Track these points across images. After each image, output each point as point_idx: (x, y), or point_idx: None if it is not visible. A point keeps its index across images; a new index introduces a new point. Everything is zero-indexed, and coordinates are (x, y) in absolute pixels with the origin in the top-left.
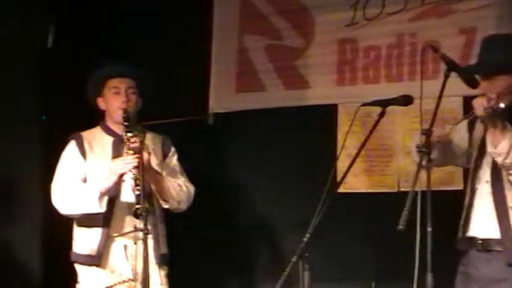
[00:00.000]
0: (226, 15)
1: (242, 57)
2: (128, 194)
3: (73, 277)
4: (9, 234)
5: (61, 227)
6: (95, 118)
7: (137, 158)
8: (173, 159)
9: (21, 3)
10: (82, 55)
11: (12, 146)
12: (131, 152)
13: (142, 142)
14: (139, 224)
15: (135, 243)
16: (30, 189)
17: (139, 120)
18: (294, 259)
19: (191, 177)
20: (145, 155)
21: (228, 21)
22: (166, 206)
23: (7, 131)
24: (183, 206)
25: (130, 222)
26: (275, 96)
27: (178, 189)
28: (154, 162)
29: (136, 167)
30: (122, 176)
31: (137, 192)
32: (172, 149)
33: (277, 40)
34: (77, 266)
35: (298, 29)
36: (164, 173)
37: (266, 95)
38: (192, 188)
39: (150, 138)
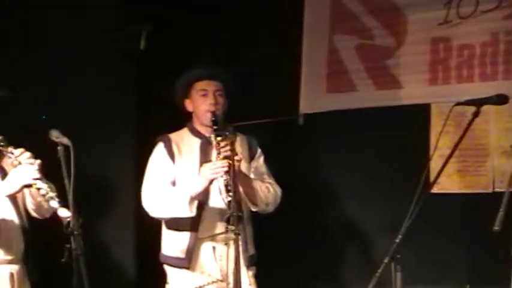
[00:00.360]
0: (316, 16)
1: (333, 57)
2: (216, 199)
3: (163, 278)
4: (105, 235)
5: (153, 228)
6: (186, 119)
7: (228, 163)
8: (260, 161)
9: (115, 7)
10: (175, 57)
11: (107, 147)
12: (221, 156)
13: (233, 144)
14: (231, 226)
15: (226, 245)
16: (124, 190)
17: (227, 122)
18: (386, 260)
19: (282, 178)
20: (236, 159)
21: (319, 22)
22: (254, 209)
23: (101, 132)
24: (271, 208)
25: (218, 225)
26: (366, 96)
27: (266, 191)
28: (241, 165)
29: (227, 172)
30: (212, 181)
31: (229, 198)
32: (259, 151)
33: (368, 40)
34: (166, 268)
35: (389, 28)
36: (251, 175)
37: (357, 95)
38: (279, 190)
39: (237, 140)
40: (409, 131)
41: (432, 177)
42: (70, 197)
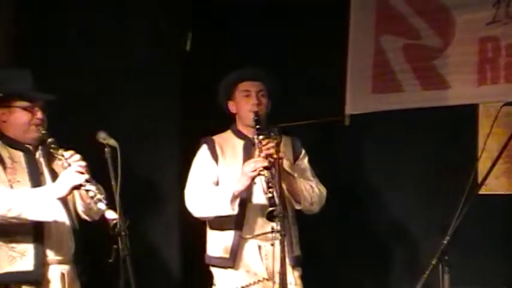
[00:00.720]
0: (363, 17)
1: (379, 58)
2: (259, 196)
3: (209, 280)
4: (151, 236)
5: (199, 230)
6: (230, 120)
7: (269, 160)
8: (304, 161)
9: (161, 9)
10: (220, 58)
11: (152, 148)
12: (263, 154)
13: (278, 144)
14: (277, 225)
15: (272, 245)
16: (170, 191)
17: (271, 123)
18: (433, 262)
19: (327, 179)
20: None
21: (365, 23)
22: (298, 207)
23: (146, 134)
24: (315, 208)
25: (262, 224)
26: (412, 96)
27: (311, 190)
28: (285, 164)
29: (268, 169)
30: (253, 178)
31: (269, 195)
32: (303, 151)
33: (415, 40)
34: (212, 269)
35: (436, 29)
36: (295, 175)
37: (403, 95)
38: (324, 190)
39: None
40: (457, 131)
41: (480, 179)
42: (117, 198)
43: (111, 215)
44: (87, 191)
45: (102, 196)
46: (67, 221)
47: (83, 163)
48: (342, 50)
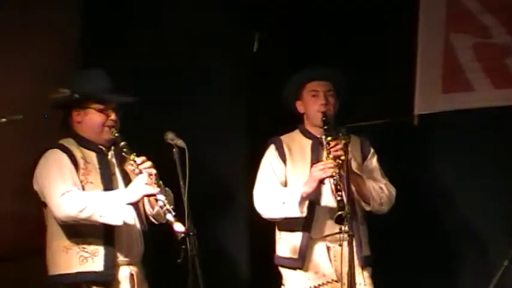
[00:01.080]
0: (432, 16)
1: (448, 57)
2: (328, 198)
3: (278, 280)
4: (220, 236)
5: (268, 230)
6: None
7: (338, 162)
8: (373, 161)
9: (229, 11)
10: (286, 58)
11: (220, 148)
12: (331, 156)
13: (346, 145)
14: (345, 226)
15: (340, 246)
16: (238, 192)
17: (340, 123)
18: (505, 263)
19: (396, 179)
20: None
21: (434, 22)
22: (368, 208)
23: (214, 134)
24: (385, 208)
25: (331, 225)
26: (484, 96)
27: (380, 191)
28: (353, 165)
29: (337, 172)
30: (322, 181)
31: (338, 198)
32: (372, 151)
33: (485, 38)
34: (281, 269)
35: (508, 26)
36: (364, 175)
37: (474, 95)
38: (393, 190)
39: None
40: None
41: None
42: (185, 198)
43: (179, 227)
44: (157, 200)
45: (171, 207)
46: (137, 223)
47: (154, 171)
48: (411, 49)
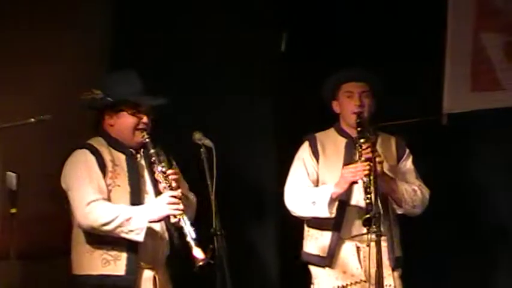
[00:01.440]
0: (461, 14)
1: (478, 55)
2: (359, 199)
3: (307, 278)
4: (248, 235)
5: (296, 228)
6: (328, 121)
7: (369, 165)
8: (408, 162)
9: (256, 10)
10: (315, 58)
11: (247, 147)
12: (363, 158)
13: (374, 145)
14: (373, 228)
15: (368, 246)
16: (266, 190)
17: (372, 123)
18: None
19: (425, 179)
20: (377, 163)
21: (464, 20)
22: (399, 211)
23: (242, 133)
24: (418, 210)
25: (360, 226)
26: None
27: (413, 194)
28: (386, 166)
29: (368, 175)
30: (353, 183)
31: (367, 201)
32: (407, 151)
33: None
34: (311, 267)
35: None
36: (398, 177)
37: (504, 94)
38: (426, 192)
39: (383, 140)
40: None
41: None
42: (212, 197)
43: (198, 254)
44: (178, 221)
45: (193, 229)
46: (163, 229)
47: (177, 193)
48: (440, 47)
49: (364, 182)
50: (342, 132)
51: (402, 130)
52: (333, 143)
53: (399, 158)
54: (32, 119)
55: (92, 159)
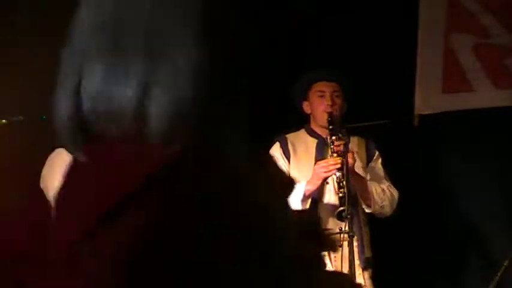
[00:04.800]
0: (432, 15)
1: (449, 57)
2: (331, 196)
3: None
4: None
5: None
6: (301, 120)
7: (341, 159)
8: (377, 163)
9: None
10: (290, 59)
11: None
12: (335, 155)
13: (346, 145)
14: (345, 226)
15: (340, 246)
16: None
17: (343, 123)
18: (505, 263)
19: (395, 180)
20: (349, 159)
21: (434, 21)
22: (368, 211)
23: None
24: (387, 211)
25: (333, 225)
26: (484, 96)
27: (382, 194)
28: (358, 166)
29: (340, 170)
30: (325, 179)
31: (340, 195)
32: (376, 153)
33: (485, 39)
34: None
35: (509, 27)
36: (368, 177)
37: (474, 95)
38: (395, 193)
39: (354, 141)
40: None
41: None
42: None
43: None
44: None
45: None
46: None
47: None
48: (412, 49)
49: (337, 177)
50: (312, 133)
51: (373, 131)
52: (303, 143)
53: (369, 160)
54: (4, 121)
55: None
